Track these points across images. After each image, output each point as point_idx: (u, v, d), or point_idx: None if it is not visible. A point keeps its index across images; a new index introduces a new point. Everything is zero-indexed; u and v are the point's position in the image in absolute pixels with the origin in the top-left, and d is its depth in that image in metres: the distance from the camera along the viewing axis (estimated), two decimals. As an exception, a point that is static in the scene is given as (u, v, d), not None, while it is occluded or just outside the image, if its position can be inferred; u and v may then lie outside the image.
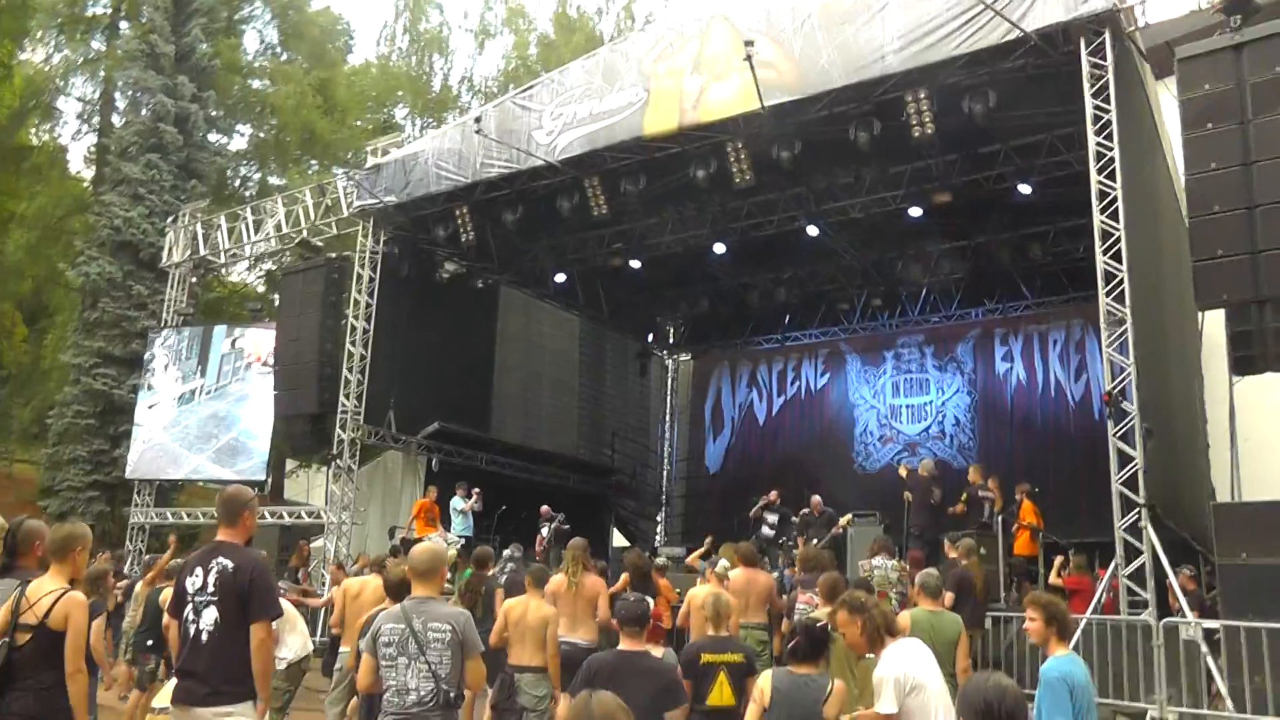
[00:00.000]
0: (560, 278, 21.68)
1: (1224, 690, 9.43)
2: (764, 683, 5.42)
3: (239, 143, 32.40)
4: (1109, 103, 11.66)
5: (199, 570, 5.22)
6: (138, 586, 11.83)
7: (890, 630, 5.30)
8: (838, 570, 10.38)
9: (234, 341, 21.58)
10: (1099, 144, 11.71)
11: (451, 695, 5.16)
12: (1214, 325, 12.82)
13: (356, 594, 8.95)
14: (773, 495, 16.91)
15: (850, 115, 14.14)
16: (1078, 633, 10.31)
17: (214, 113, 29.33)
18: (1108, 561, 11.32)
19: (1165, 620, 10.09)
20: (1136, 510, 10.59)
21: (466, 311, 20.46)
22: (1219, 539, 9.95)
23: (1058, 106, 13.59)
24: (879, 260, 21.05)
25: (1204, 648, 9.71)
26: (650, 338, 26.11)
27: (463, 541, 15.33)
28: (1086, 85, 11.88)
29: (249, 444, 20.74)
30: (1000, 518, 13.39)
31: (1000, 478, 14.32)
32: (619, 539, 23.66)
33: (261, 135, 32.09)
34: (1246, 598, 9.24)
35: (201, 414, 21.52)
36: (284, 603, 6.93)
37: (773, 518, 16.67)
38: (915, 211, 17.45)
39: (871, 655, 5.35)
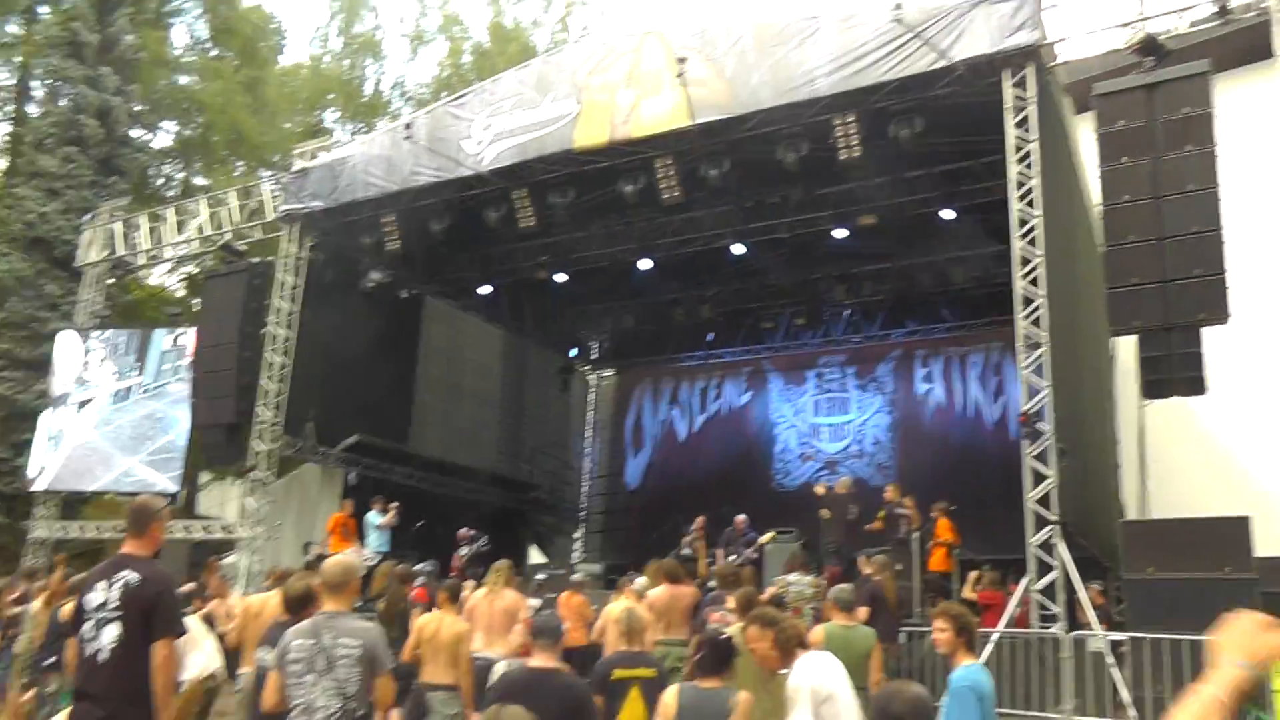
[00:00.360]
0: (485, 289, 21.58)
1: (1128, 700, 9.73)
2: (669, 698, 5.39)
3: (163, 140, 31.41)
4: (1030, 133, 12.02)
5: (102, 584, 5.00)
6: (33, 607, 11.33)
7: (801, 644, 5.35)
8: (755, 587, 10.45)
9: (176, 338, 20.63)
10: (1020, 172, 12.07)
11: (359, 714, 5.03)
12: (1126, 350, 13.28)
13: (257, 613, 8.43)
14: (699, 523, 17.17)
15: (779, 136, 14.35)
16: (990, 645, 10.57)
17: (138, 107, 28.36)
18: (1020, 577, 11.58)
19: (1074, 633, 10.36)
20: (1049, 527, 10.89)
21: (390, 322, 20.19)
22: (1126, 555, 10.32)
23: (981, 135, 13.91)
24: (803, 280, 21.31)
25: (1110, 659, 10.00)
26: (573, 353, 26.02)
27: (378, 559, 15.12)
28: (1009, 115, 12.23)
29: (185, 448, 20.00)
30: (917, 535, 13.58)
31: (917, 496, 14.54)
32: (536, 555, 23.54)
33: (187, 133, 31.08)
34: (1151, 611, 9.58)
35: (137, 414, 20.54)
36: (188, 620, 6.67)
37: (699, 544, 16.92)
38: (840, 233, 17.77)
39: (785, 671, 5.40)
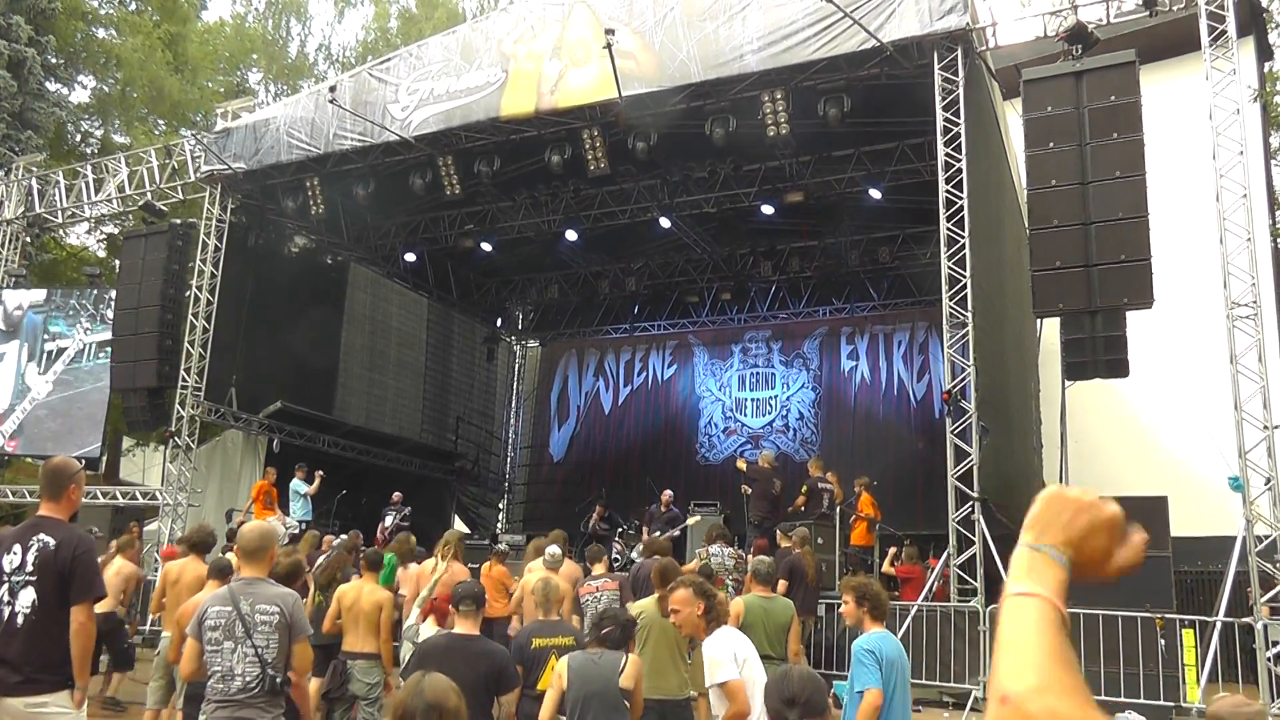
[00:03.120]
0: (410, 257, 21.46)
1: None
2: (560, 667, 5.51)
3: (80, 95, 30.19)
4: (958, 116, 12.19)
5: (17, 548, 4.88)
6: None
7: (723, 620, 5.44)
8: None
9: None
10: (948, 155, 12.22)
11: (278, 681, 4.99)
12: (1050, 332, 13.53)
13: (175, 579, 8.53)
14: (598, 509, 17.63)
15: (707, 111, 14.36)
16: (909, 619, 10.78)
17: (53, 59, 27.29)
18: (941, 553, 11.81)
19: (992, 605, 10.59)
20: (970, 503, 11.12)
21: (314, 287, 19.91)
22: (1046, 532, 10.52)
23: (910, 116, 14.10)
24: (730, 255, 21.46)
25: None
26: (499, 322, 25.94)
27: (301, 527, 15.00)
28: (938, 98, 12.38)
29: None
30: (839, 509, 13.76)
31: (841, 471, 14.72)
32: (460, 525, 23.47)
33: (105, 89, 30.05)
34: (1068, 586, 9.80)
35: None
36: None
37: (605, 526, 17.36)
38: (767, 209, 17.90)
39: (702, 640, 5.47)
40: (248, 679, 4.91)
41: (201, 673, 5.08)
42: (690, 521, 15.21)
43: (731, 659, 5.12)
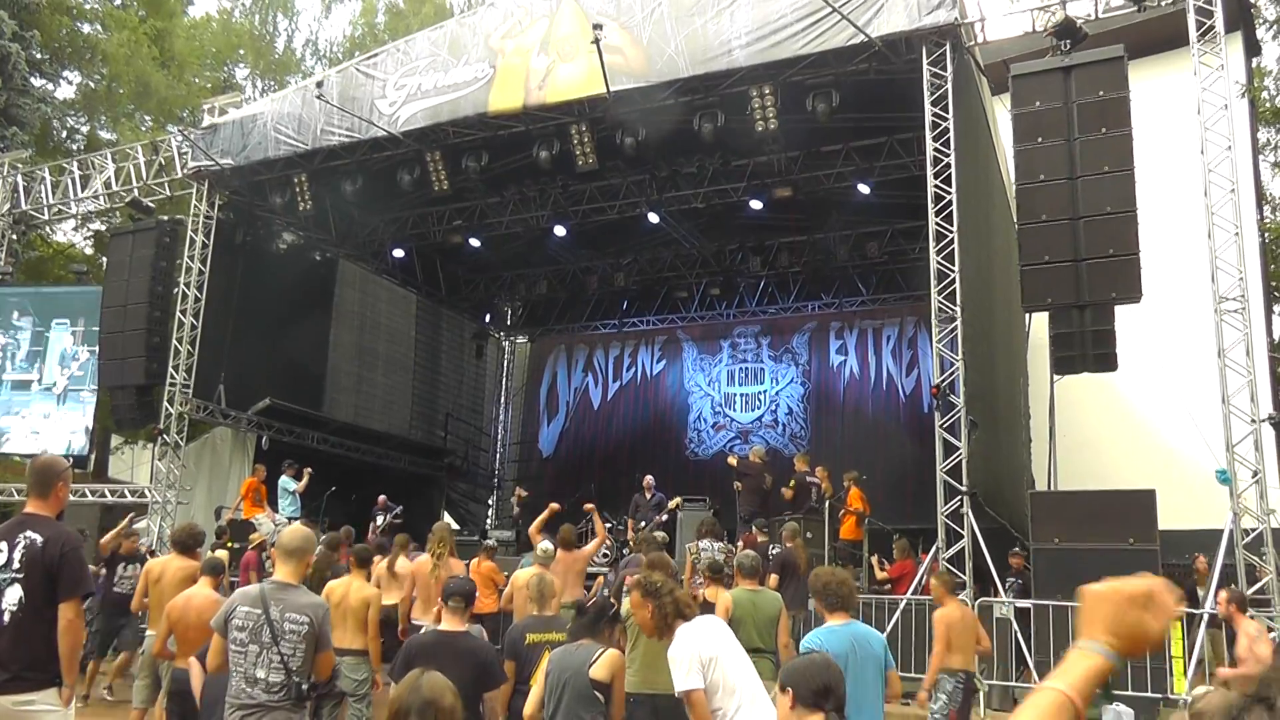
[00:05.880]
0: (399, 253, 21.43)
1: (1031, 664, 10.05)
2: (545, 662, 5.50)
3: (66, 91, 30.04)
4: (947, 111, 12.19)
5: (3, 545, 4.86)
6: None
7: (682, 614, 5.30)
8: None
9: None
10: (936, 150, 12.23)
11: (303, 688, 4.96)
12: (1039, 326, 13.56)
13: (158, 577, 8.40)
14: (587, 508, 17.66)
15: (695, 106, 14.35)
16: (898, 612, 10.79)
17: (38, 55, 27.10)
18: (930, 547, 11.83)
19: (980, 600, 10.63)
20: (959, 497, 11.13)
21: (302, 284, 19.87)
22: (1034, 525, 10.65)
23: (898, 112, 14.10)
24: (719, 250, 21.47)
25: (1015, 625, 10.31)
26: (488, 318, 25.91)
27: (287, 524, 14.96)
28: (926, 93, 12.37)
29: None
30: (828, 503, 13.77)
31: (830, 466, 14.74)
32: (449, 521, 23.44)
33: (91, 85, 29.84)
34: (1057, 578, 9.88)
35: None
36: None
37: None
38: (756, 204, 17.88)
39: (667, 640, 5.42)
40: (270, 684, 4.90)
41: (224, 668, 5.06)
42: (672, 504, 15.23)
43: (694, 662, 4.94)
